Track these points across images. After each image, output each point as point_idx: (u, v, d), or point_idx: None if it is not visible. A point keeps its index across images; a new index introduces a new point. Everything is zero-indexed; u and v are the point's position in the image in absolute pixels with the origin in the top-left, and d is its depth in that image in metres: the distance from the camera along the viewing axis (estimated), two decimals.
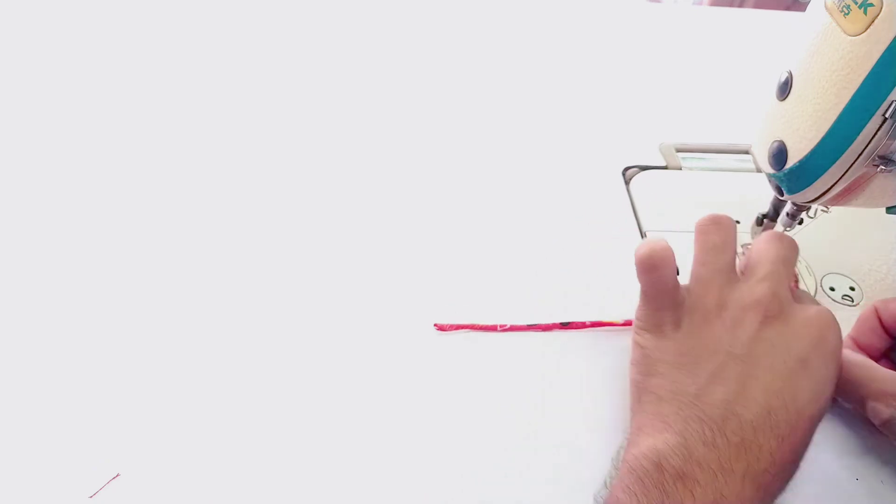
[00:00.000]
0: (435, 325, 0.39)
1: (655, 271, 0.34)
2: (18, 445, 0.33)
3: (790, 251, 0.35)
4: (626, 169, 0.52)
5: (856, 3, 0.31)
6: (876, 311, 0.37)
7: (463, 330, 0.39)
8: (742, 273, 0.35)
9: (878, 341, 0.37)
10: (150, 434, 0.34)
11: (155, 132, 0.52)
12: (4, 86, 0.55)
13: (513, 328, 0.40)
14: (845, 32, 0.31)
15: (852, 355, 0.35)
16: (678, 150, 0.54)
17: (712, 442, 0.28)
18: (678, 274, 0.35)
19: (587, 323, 0.40)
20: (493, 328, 0.40)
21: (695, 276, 0.34)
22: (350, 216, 0.46)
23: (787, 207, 0.40)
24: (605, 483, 0.31)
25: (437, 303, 0.41)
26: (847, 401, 0.36)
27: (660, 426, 0.30)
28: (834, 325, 0.32)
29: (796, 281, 0.43)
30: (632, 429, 0.32)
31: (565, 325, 0.40)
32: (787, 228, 0.41)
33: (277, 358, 0.38)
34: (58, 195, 0.46)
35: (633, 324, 0.35)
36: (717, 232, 0.35)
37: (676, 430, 0.29)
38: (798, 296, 0.35)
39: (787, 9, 0.96)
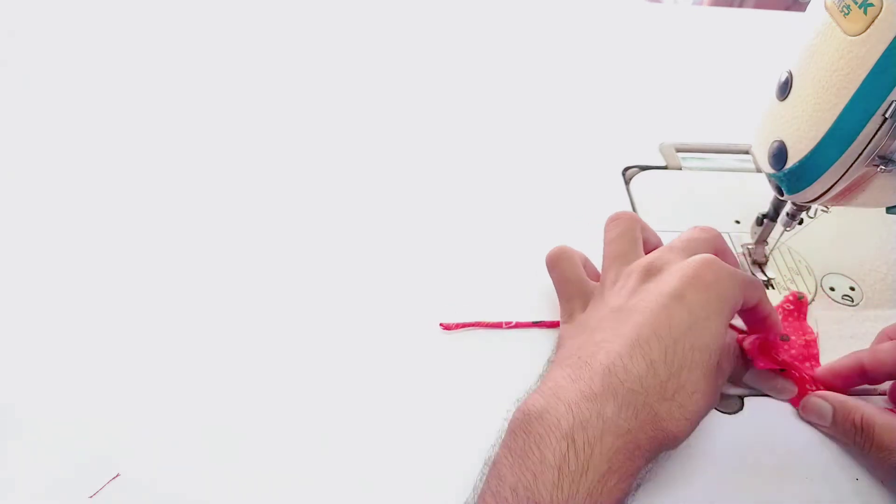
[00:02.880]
0: (440, 324, 0.39)
1: (556, 266, 0.39)
2: (18, 445, 0.33)
3: (700, 233, 0.36)
4: (626, 169, 0.52)
5: (856, 3, 0.31)
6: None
7: (468, 328, 0.39)
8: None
9: (886, 376, 0.36)
10: (150, 434, 0.34)
11: (156, 133, 0.52)
12: (5, 86, 0.55)
13: (518, 325, 0.40)
14: (845, 32, 0.31)
15: (880, 414, 0.34)
16: (678, 150, 0.54)
17: (578, 376, 0.30)
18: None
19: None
20: (498, 325, 0.40)
21: (602, 266, 0.37)
22: (354, 219, 0.46)
23: (787, 207, 0.40)
24: (493, 446, 0.32)
25: (441, 302, 0.41)
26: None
27: (541, 384, 0.32)
28: (711, 263, 0.32)
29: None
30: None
31: None
32: (787, 228, 0.41)
33: (280, 359, 0.38)
34: (58, 196, 0.46)
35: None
36: (614, 227, 0.38)
37: (550, 379, 0.31)
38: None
39: (787, 9, 0.96)
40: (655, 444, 0.29)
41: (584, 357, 0.31)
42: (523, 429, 0.29)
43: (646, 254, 0.37)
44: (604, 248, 0.38)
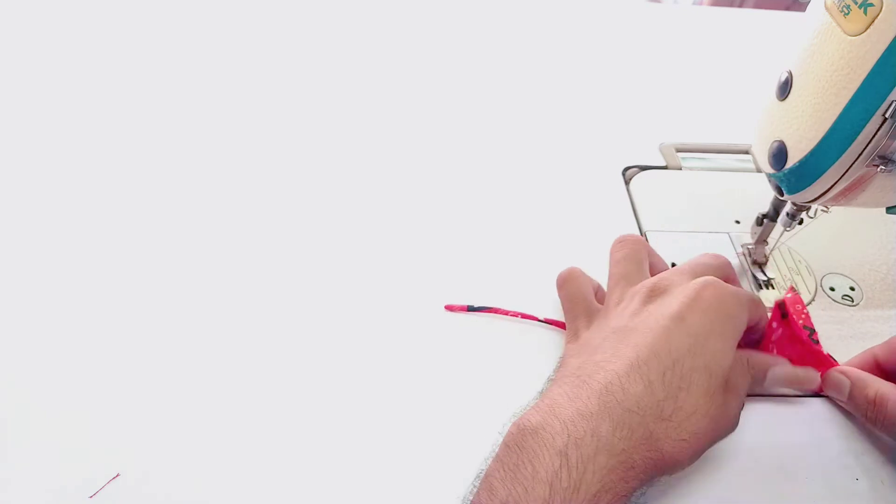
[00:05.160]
0: (445, 306, 0.40)
1: (564, 286, 0.39)
2: (19, 445, 0.33)
3: (709, 259, 0.37)
4: (626, 169, 0.52)
5: (856, 3, 0.31)
6: None
7: (472, 312, 0.40)
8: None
9: None
10: (150, 434, 0.34)
11: (156, 133, 0.52)
12: (5, 86, 0.55)
13: (524, 316, 0.40)
14: (845, 32, 0.31)
15: (894, 391, 0.34)
16: (678, 150, 0.54)
17: (576, 395, 0.30)
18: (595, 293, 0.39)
19: None
20: (502, 311, 0.40)
21: (607, 287, 0.38)
22: (352, 224, 0.46)
23: (787, 207, 0.40)
24: (486, 459, 0.31)
25: (440, 300, 0.41)
26: None
27: (539, 403, 0.31)
28: (713, 284, 0.33)
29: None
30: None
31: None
32: (787, 228, 0.41)
33: (279, 358, 0.38)
34: (58, 196, 0.46)
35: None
36: (620, 249, 0.39)
37: (548, 395, 0.31)
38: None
39: (787, 9, 0.96)
40: (651, 465, 0.29)
41: (582, 376, 0.31)
42: (517, 443, 0.29)
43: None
44: (609, 269, 0.38)
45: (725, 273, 0.37)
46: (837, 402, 0.37)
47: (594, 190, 0.50)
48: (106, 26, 0.63)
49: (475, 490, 0.29)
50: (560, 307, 0.40)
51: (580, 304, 0.38)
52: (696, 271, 0.36)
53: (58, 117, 0.52)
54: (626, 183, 0.51)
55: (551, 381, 0.35)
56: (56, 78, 0.56)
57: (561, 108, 0.58)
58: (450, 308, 0.40)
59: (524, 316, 0.40)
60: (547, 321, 0.40)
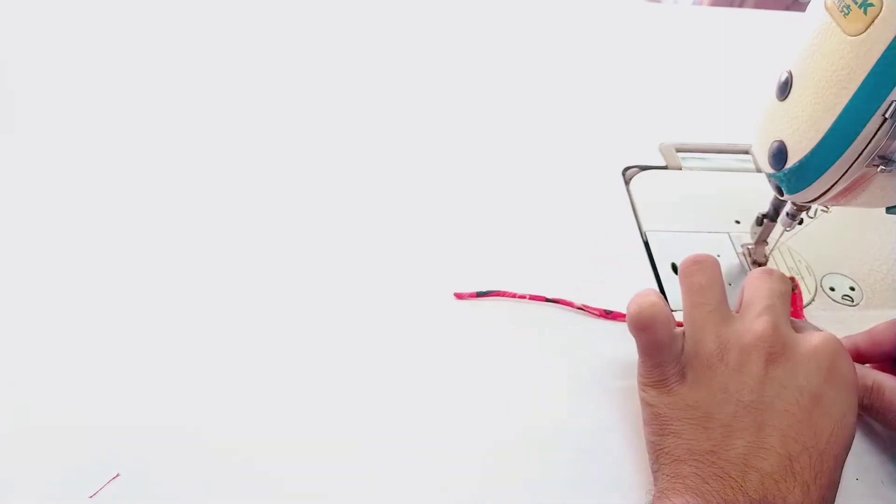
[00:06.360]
0: (454, 294, 0.41)
1: (648, 330, 0.33)
2: (19, 445, 0.33)
3: (783, 284, 0.35)
4: (626, 169, 0.52)
5: (856, 3, 0.31)
6: None
7: (481, 298, 0.41)
8: (737, 312, 0.34)
9: (882, 356, 0.37)
10: (150, 434, 0.34)
11: (156, 132, 0.52)
12: (6, 87, 0.55)
13: (532, 297, 0.41)
14: (845, 32, 0.31)
15: (890, 379, 0.35)
16: (678, 150, 0.54)
17: (734, 501, 0.28)
18: (674, 325, 0.34)
19: (609, 312, 0.41)
20: (511, 295, 0.41)
21: (688, 321, 0.34)
22: (344, 230, 0.46)
23: (787, 207, 0.40)
24: None
25: (436, 304, 0.41)
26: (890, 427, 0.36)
27: (680, 488, 0.29)
28: (842, 352, 0.31)
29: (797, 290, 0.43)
30: (655, 494, 0.31)
31: (607, 314, 0.41)
32: (787, 228, 0.41)
33: (287, 350, 0.37)
34: (58, 197, 0.46)
35: (638, 380, 0.34)
36: (700, 272, 0.34)
37: (697, 491, 0.28)
38: (798, 325, 0.35)
39: (787, 9, 0.96)
40: None
41: (731, 473, 0.29)
42: None
43: None
44: (689, 296, 0.34)
45: (789, 288, 0.35)
46: None
47: (594, 190, 0.50)
48: (106, 26, 0.63)
49: None
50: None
51: (666, 349, 0.33)
52: (786, 305, 0.34)
53: (58, 117, 0.52)
54: (626, 183, 0.51)
55: (666, 452, 0.31)
56: (56, 78, 0.56)
57: (561, 109, 0.58)
58: (459, 296, 0.41)
59: (532, 297, 0.41)
60: (554, 300, 0.41)
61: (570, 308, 0.41)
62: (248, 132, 0.53)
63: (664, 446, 0.31)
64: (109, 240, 0.43)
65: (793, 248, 0.46)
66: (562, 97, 0.60)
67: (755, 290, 0.34)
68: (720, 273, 0.35)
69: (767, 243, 0.44)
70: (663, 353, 0.33)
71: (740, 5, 1.25)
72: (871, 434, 0.36)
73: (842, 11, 0.31)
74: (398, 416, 0.35)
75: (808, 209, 0.40)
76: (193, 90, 0.56)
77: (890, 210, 0.37)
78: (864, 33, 0.30)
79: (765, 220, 0.42)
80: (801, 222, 0.41)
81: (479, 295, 0.41)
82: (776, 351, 0.31)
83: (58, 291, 0.40)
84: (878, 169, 0.33)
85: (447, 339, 0.39)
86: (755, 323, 0.32)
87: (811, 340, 0.32)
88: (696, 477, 0.29)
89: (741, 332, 0.32)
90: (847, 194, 0.36)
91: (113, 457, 0.32)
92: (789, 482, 0.28)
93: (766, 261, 0.44)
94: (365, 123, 0.55)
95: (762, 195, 0.42)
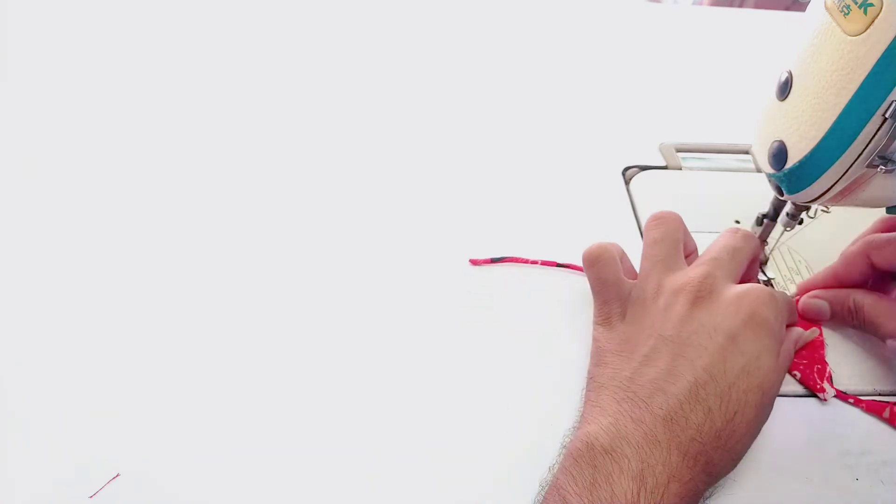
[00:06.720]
0: (469, 260, 0.43)
1: (595, 265, 0.38)
2: (19, 446, 0.33)
3: (743, 242, 0.37)
4: (626, 169, 0.52)
5: (856, 3, 0.31)
6: (867, 255, 0.39)
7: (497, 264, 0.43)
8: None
9: (861, 277, 0.39)
10: (150, 434, 0.34)
11: (156, 132, 0.52)
12: (6, 87, 0.55)
13: (544, 263, 0.43)
14: (845, 32, 0.31)
15: (866, 296, 0.38)
16: (678, 150, 0.54)
17: (640, 418, 0.30)
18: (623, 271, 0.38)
19: None
20: (525, 261, 0.43)
21: (640, 270, 0.37)
22: (339, 233, 0.46)
23: (787, 207, 0.40)
24: (550, 468, 0.32)
25: (438, 301, 0.41)
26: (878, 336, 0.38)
27: (597, 412, 0.32)
28: (768, 300, 0.33)
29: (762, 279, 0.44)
30: (579, 417, 0.33)
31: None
32: (787, 228, 0.41)
33: (279, 361, 0.38)
34: (58, 196, 0.46)
35: (592, 320, 0.38)
36: (657, 227, 0.38)
37: (609, 412, 0.31)
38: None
39: (787, 9, 0.96)
40: (706, 485, 0.30)
41: (640, 395, 0.31)
42: (589, 461, 0.29)
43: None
44: (644, 248, 0.38)
45: (757, 253, 0.38)
46: (821, 322, 0.40)
47: (594, 190, 0.50)
48: (106, 27, 0.63)
49: (540, 500, 0.30)
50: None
51: (613, 288, 0.37)
52: (736, 259, 0.36)
53: (58, 117, 0.52)
54: (626, 183, 0.51)
55: (592, 379, 0.35)
56: (56, 78, 0.56)
57: (561, 109, 0.58)
58: (474, 262, 0.43)
59: (544, 263, 0.43)
60: (565, 266, 0.43)
61: (579, 272, 0.42)
62: (253, 115, 0.53)
63: (594, 375, 0.35)
64: (110, 240, 0.43)
65: (793, 248, 0.46)
66: (562, 97, 0.60)
67: (713, 245, 0.37)
68: (678, 229, 0.38)
69: (767, 243, 0.44)
70: (608, 289, 0.37)
71: (740, 5, 1.25)
72: (871, 434, 0.36)
73: (842, 11, 0.31)
74: (420, 391, 0.36)
75: (808, 209, 0.40)
76: (193, 90, 0.56)
77: (890, 210, 0.37)
78: (864, 33, 0.30)
79: (765, 220, 0.42)
80: (801, 222, 0.41)
81: (494, 261, 0.43)
82: (702, 295, 0.34)
83: (58, 291, 0.40)
84: (878, 169, 0.33)
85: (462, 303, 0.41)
86: (692, 271, 0.35)
87: (739, 289, 0.34)
88: (612, 399, 0.32)
89: (678, 278, 0.35)
90: (847, 194, 0.36)
91: (113, 457, 0.32)
92: (693, 403, 0.30)
93: (766, 261, 0.44)
94: (364, 130, 0.55)
95: (762, 195, 0.42)
